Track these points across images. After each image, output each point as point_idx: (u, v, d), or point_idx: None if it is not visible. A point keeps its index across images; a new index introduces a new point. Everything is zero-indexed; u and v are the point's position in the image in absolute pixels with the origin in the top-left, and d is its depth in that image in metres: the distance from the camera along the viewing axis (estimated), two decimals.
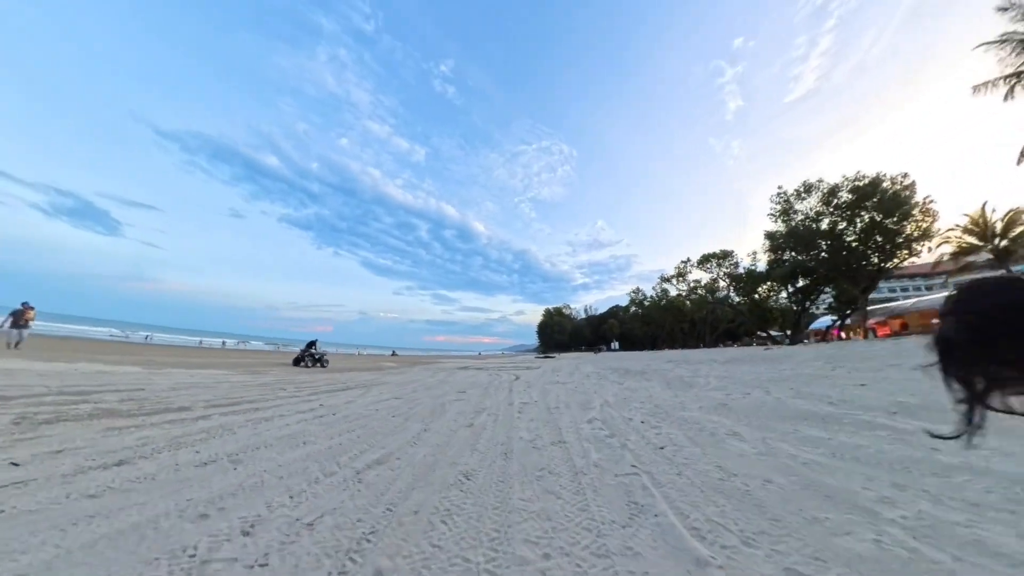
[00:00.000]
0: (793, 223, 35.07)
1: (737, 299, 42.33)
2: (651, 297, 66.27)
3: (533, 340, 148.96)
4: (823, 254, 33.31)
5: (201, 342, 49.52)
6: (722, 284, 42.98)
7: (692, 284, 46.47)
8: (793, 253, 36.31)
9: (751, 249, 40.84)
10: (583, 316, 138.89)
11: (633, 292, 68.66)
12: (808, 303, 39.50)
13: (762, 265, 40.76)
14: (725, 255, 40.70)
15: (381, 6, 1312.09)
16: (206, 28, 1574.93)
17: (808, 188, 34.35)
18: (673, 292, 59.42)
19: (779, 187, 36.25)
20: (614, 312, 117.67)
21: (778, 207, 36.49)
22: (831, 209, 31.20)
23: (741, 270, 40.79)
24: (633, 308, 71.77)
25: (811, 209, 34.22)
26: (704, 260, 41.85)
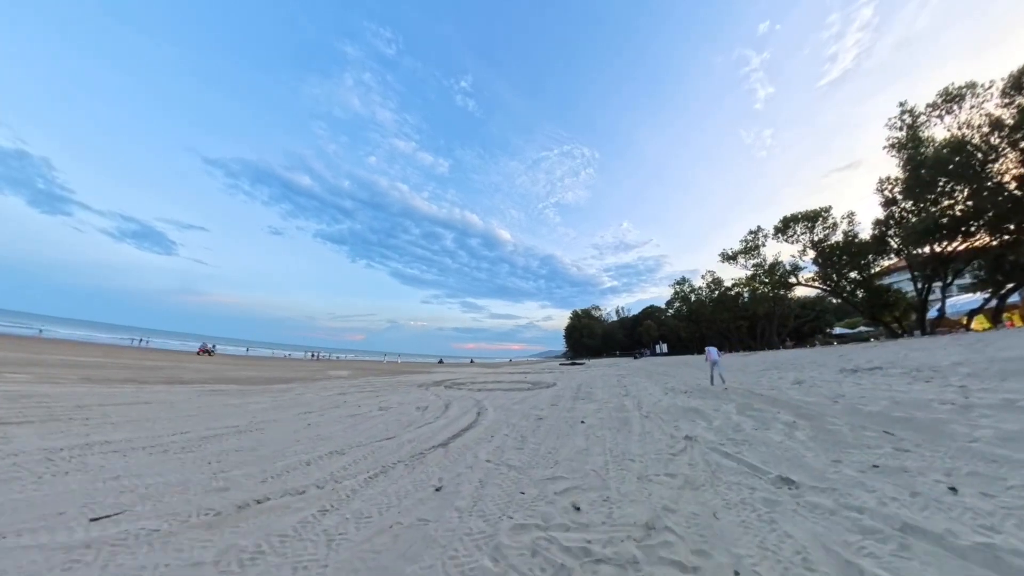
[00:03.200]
0: (924, 154, 23.35)
1: (830, 279, 30.33)
2: (700, 289, 54.39)
3: (562, 345, 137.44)
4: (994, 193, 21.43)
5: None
6: (809, 257, 31.13)
7: (767, 262, 34.50)
8: (925, 202, 24.47)
9: (841, 213, 28.94)
10: (615, 318, 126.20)
11: (677, 284, 56.80)
12: (949, 277, 27.11)
13: (864, 231, 28.85)
14: (815, 216, 29.03)
15: (402, 30, 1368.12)
16: (247, 66, 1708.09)
17: (953, 97, 22.67)
18: (730, 280, 47.51)
19: (901, 103, 24.68)
20: (650, 312, 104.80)
21: (900, 135, 24.84)
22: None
23: (839, 237, 28.99)
24: (677, 304, 59.75)
25: (963, 126, 22.46)
26: (785, 226, 30.22)
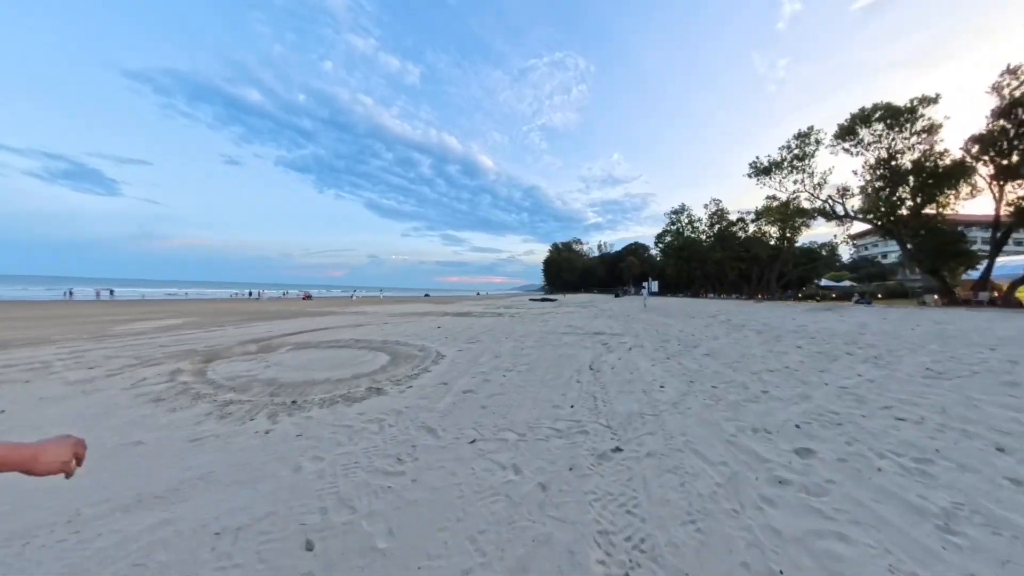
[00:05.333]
0: None
1: (889, 211, 22.17)
2: (699, 221, 46.23)
3: (542, 279, 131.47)
4: None
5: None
6: (861, 181, 22.68)
7: (815, 178, 25.47)
8: None
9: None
10: (596, 254, 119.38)
11: (674, 214, 48.35)
12: None
13: (953, 144, 20.15)
14: (900, 114, 19.92)
15: None
16: None
17: None
18: (736, 213, 39.30)
19: None
20: (633, 250, 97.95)
21: None
22: None
23: (914, 156, 20.35)
24: (669, 238, 51.90)
25: None
26: (852, 126, 21.06)
